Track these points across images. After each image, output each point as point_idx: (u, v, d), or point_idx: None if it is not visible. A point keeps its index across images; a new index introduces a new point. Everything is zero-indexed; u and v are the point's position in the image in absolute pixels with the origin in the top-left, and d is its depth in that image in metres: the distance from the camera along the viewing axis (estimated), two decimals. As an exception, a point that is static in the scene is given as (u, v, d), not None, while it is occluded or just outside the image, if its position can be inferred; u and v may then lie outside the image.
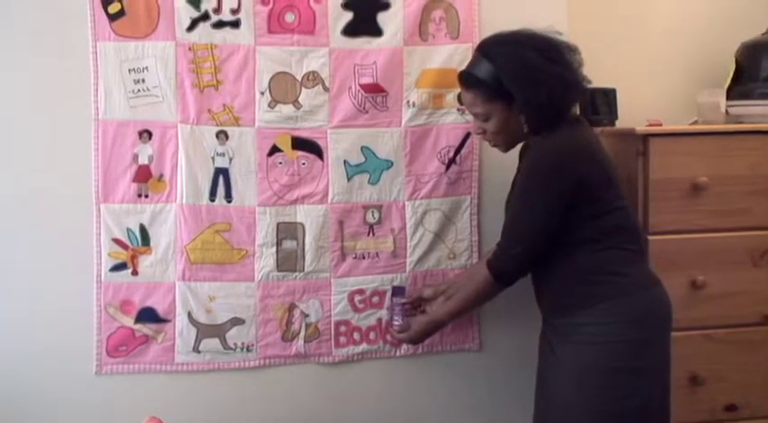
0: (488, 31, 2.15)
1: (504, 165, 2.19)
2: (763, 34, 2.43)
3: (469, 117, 2.18)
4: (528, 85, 1.80)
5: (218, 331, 2.14)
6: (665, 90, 2.56)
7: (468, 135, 2.21)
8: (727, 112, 2.30)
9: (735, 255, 2.16)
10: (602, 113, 2.39)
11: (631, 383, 1.79)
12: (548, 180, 1.79)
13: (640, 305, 1.83)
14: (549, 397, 1.91)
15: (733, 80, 2.39)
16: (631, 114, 2.39)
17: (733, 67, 2.39)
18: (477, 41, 2.16)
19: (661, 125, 2.21)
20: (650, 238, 2.09)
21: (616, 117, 2.38)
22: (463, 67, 2.15)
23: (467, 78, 1.89)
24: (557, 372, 1.88)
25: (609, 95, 2.38)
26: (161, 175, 2.09)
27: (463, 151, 2.22)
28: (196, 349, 2.13)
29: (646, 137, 2.10)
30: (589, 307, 1.81)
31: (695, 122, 2.40)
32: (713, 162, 2.12)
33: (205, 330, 2.13)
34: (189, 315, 2.11)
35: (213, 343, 2.14)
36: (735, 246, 2.16)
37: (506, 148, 1.96)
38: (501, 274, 1.88)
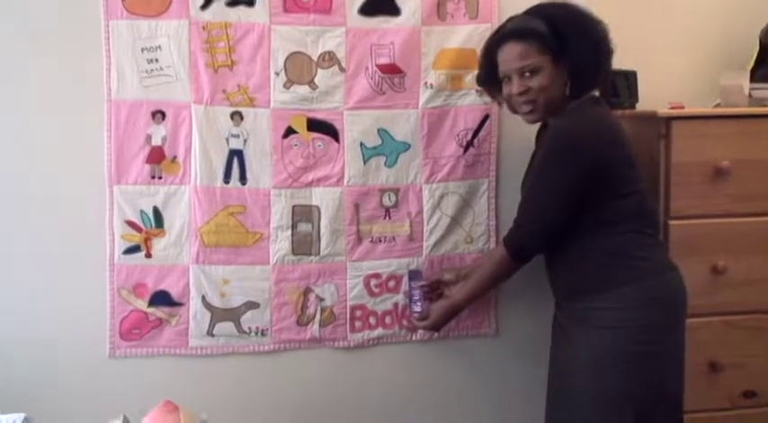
0: (508, 12, 2.14)
1: (522, 148, 2.20)
2: (784, 17, 2.41)
3: (488, 99, 2.18)
4: (582, 38, 1.84)
5: (232, 315, 2.15)
6: (687, 72, 2.53)
7: (486, 117, 2.22)
8: (750, 94, 2.29)
9: (756, 240, 2.14)
10: (623, 96, 2.36)
11: (648, 368, 1.81)
12: (569, 159, 1.79)
13: (658, 290, 1.84)
14: (564, 381, 1.92)
15: (756, 62, 2.37)
16: (652, 97, 2.37)
17: (756, 48, 2.38)
18: (497, 22, 2.18)
19: (683, 108, 2.20)
20: (672, 222, 2.07)
21: (636, 100, 2.35)
22: (482, 46, 2.18)
23: (518, 30, 1.88)
24: (572, 356, 1.89)
25: (629, 78, 2.35)
26: (174, 157, 2.09)
27: (481, 134, 2.22)
28: (210, 333, 2.14)
29: (668, 120, 2.08)
30: (606, 291, 1.82)
31: (718, 105, 2.39)
32: (736, 145, 2.10)
33: (219, 314, 2.14)
34: (203, 299, 2.12)
35: (227, 327, 2.15)
36: (756, 231, 2.13)
37: (542, 113, 1.90)
38: (517, 251, 1.89)
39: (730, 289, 2.16)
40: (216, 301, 2.13)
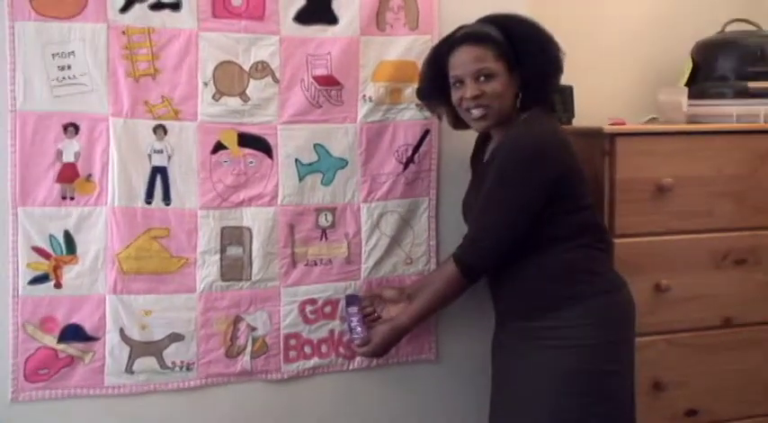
0: (449, 24, 2.09)
1: (463, 165, 2.15)
2: (719, 33, 2.47)
3: (428, 113, 2.12)
4: (538, 51, 1.82)
5: (154, 349, 1.97)
6: (620, 87, 2.57)
7: (426, 132, 2.14)
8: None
9: (698, 257, 2.17)
10: (559, 111, 2.36)
11: (607, 386, 1.78)
12: (530, 169, 1.74)
13: (613, 306, 1.83)
14: (515, 403, 1.85)
15: (690, 79, 2.42)
16: (587, 112, 2.38)
17: (689, 65, 2.42)
18: (437, 34, 2.11)
19: (624, 124, 2.20)
20: (616, 241, 2.06)
21: (572, 115, 2.35)
22: (423, 58, 2.07)
23: (475, 34, 1.84)
24: (524, 377, 1.83)
25: (565, 93, 2.35)
26: (89, 175, 1.91)
27: (421, 150, 2.14)
28: (129, 370, 1.96)
29: (612, 136, 2.07)
30: (561, 309, 1.79)
31: (651, 120, 2.42)
32: (678, 162, 2.12)
33: (139, 348, 1.96)
34: (121, 332, 1.94)
35: (149, 362, 1.97)
36: (698, 248, 2.16)
37: (494, 120, 1.85)
38: (471, 268, 1.82)
39: (673, 307, 2.18)
40: (136, 335, 1.95)
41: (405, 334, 1.96)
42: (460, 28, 1.89)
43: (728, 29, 2.50)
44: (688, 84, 2.40)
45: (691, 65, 2.42)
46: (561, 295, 1.79)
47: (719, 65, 2.37)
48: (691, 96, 2.32)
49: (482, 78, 1.82)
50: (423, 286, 2.02)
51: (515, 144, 1.78)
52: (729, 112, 2.29)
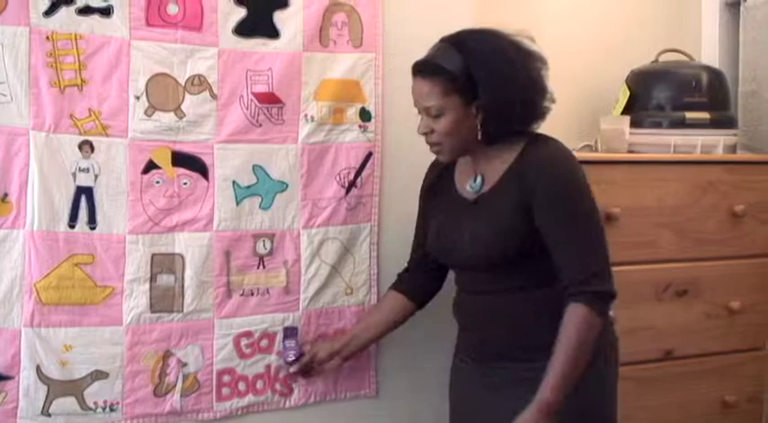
0: (394, 41, 2.11)
1: (408, 189, 2.12)
2: (653, 62, 2.57)
3: (371, 135, 2.10)
4: (502, 82, 1.71)
5: (74, 388, 1.84)
6: (554, 114, 2.62)
7: (369, 155, 2.11)
8: (624, 140, 2.40)
9: (641, 289, 2.22)
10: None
11: None
12: (586, 185, 1.72)
13: (611, 342, 1.82)
14: None
15: (625, 107, 2.50)
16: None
17: (625, 93, 2.50)
18: (382, 51, 2.10)
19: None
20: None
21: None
22: (367, 78, 2.09)
23: (425, 65, 1.75)
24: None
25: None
26: (5, 195, 1.78)
27: (364, 173, 2.11)
28: (45, 412, 1.82)
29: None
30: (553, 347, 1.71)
31: (585, 147, 2.48)
32: (623, 192, 2.18)
33: (58, 388, 1.83)
34: (38, 370, 1.80)
35: (68, 403, 1.84)
36: (641, 280, 2.22)
37: (450, 155, 1.81)
38: (611, 298, 1.71)
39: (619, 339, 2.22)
40: (54, 373, 1.82)
41: (556, 410, 1.64)
42: (431, 48, 1.79)
43: (662, 58, 2.61)
44: (624, 112, 2.48)
45: (627, 93, 2.50)
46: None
47: (656, 94, 2.47)
48: (631, 125, 2.40)
49: (432, 114, 1.75)
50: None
51: (565, 168, 1.72)
52: (667, 141, 2.39)
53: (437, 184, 1.95)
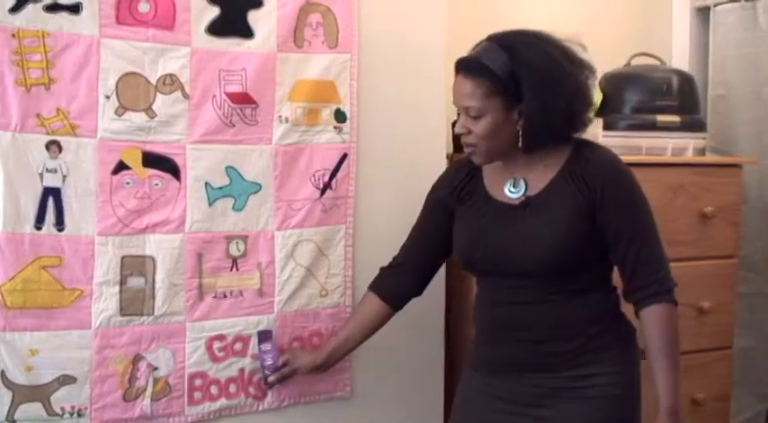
0: (371, 41, 2.06)
1: (384, 190, 2.10)
2: (625, 66, 2.55)
3: (346, 136, 2.05)
4: (548, 89, 1.62)
5: (40, 393, 1.77)
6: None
7: (344, 156, 2.05)
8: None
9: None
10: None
11: None
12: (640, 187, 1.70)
13: (636, 349, 1.77)
14: None
15: (597, 110, 2.47)
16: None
17: (598, 96, 2.46)
18: (357, 52, 2.05)
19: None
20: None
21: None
22: (342, 79, 2.04)
23: (470, 63, 1.66)
24: None
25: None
26: (-31, 196, 1.70)
27: (339, 174, 2.05)
28: (10, 418, 1.74)
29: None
30: (604, 353, 1.68)
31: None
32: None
33: (23, 393, 1.75)
34: (2, 375, 1.73)
35: (34, 408, 1.77)
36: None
37: (486, 158, 1.72)
38: (675, 294, 1.71)
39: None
40: (20, 378, 1.74)
41: (679, 412, 1.68)
42: (478, 44, 1.70)
43: (634, 62, 2.59)
44: (596, 115, 2.45)
45: (599, 96, 2.47)
46: (604, 339, 1.69)
47: (628, 98, 2.46)
48: (604, 128, 2.38)
49: (471, 115, 1.67)
50: (653, 351, 1.70)
51: (621, 168, 1.70)
52: (639, 144, 2.38)
53: (464, 188, 1.83)
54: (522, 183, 1.73)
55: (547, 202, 1.68)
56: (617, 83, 2.48)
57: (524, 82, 1.62)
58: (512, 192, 1.72)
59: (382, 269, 1.95)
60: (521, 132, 1.66)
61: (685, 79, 2.55)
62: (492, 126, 1.65)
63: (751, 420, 2.84)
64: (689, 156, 2.49)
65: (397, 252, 1.94)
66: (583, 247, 1.67)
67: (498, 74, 1.62)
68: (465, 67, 1.67)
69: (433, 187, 1.92)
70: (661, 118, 2.41)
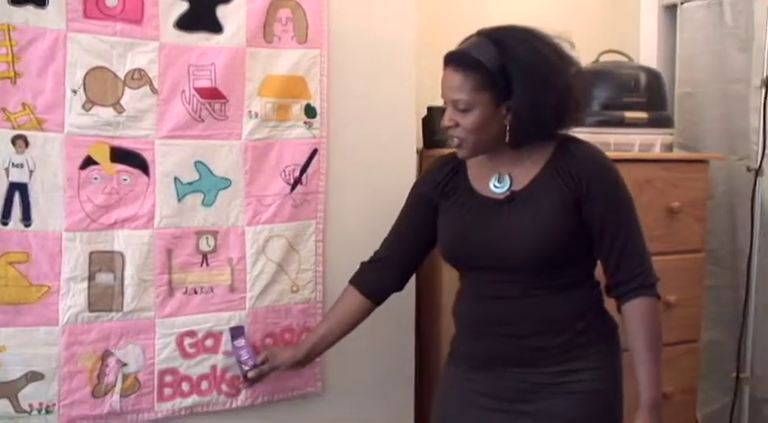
0: (340, 37, 2.06)
1: (354, 185, 2.10)
2: (593, 62, 2.57)
3: (316, 131, 2.05)
4: (538, 85, 1.61)
5: (8, 390, 1.75)
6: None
7: (315, 152, 2.05)
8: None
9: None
10: (442, 133, 2.35)
11: None
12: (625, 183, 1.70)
13: (619, 345, 1.77)
14: None
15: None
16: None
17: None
18: (327, 47, 2.04)
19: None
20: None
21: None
22: (312, 74, 2.03)
23: (460, 56, 1.64)
24: None
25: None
26: (-67, 191, 1.68)
27: (310, 169, 2.04)
28: (-23, 416, 1.73)
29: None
30: (589, 348, 1.69)
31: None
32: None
33: (-10, 390, 1.74)
34: (-32, 372, 1.71)
35: (1, 405, 1.76)
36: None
37: (471, 152, 1.70)
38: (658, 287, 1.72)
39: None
40: (-14, 374, 1.73)
41: (660, 402, 1.69)
42: (467, 38, 1.68)
43: (602, 59, 2.62)
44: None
45: (569, 93, 2.49)
46: (589, 334, 1.69)
47: (596, 94, 2.47)
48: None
49: (460, 108, 1.65)
50: (634, 342, 1.70)
51: (605, 162, 1.70)
52: (607, 140, 2.39)
53: (448, 183, 1.82)
54: (507, 178, 1.73)
55: (532, 197, 1.68)
56: (585, 80, 2.48)
57: (514, 77, 1.61)
58: (496, 187, 1.72)
59: (363, 264, 1.93)
60: (508, 127, 1.65)
61: (653, 76, 2.58)
62: (480, 120, 1.64)
63: (717, 413, 2.88)
64: (656, 152, 2.52)
65: (367, 246, 1.92)
66: (568, 241, 1.67)
67: (489, 68, 1.61)
68: (455, 60, 1.65)
69: (416, 182, 1.93)
70: (629, 114, 2.43)
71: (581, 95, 1.73)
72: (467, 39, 1.68)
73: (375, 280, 1.89)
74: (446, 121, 1.68)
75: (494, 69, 1.60)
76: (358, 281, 1.90)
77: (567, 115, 1.68)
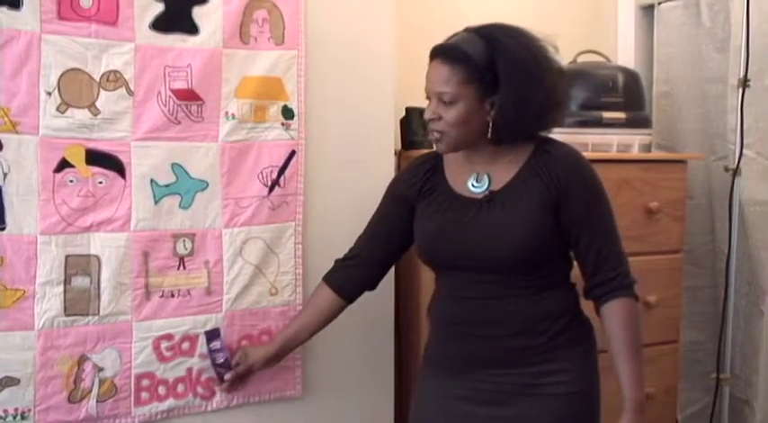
0: (317, 38, 2.08)
1: (333, 187, 2.11)
2: (571, 63, 2.60)
3: (294, 133, 2.06)
4: (525, 82, 1.64)
5: (-18, 397, 1.75)
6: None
7: (292, 153, 2.07)
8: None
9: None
10: (420, 134, 2.38)
11: None
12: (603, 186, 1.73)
13: (596, 345, 1.80)
14: None
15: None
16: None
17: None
18: (304, 48, 2.06)
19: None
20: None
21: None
22: (289, 75, 2.05)
23: (450, 50, 1.66)
24: None
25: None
26: None
27: (288, 171, 2.06)
28: (-49, 422, 1.73)
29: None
30: (567, 351, 1.71)
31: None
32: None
33: (-36, 396, 1.73)
34: (-58, 378, 1.71)
35: (-25, 412, 1.76)
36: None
37: (451, 147, 1.72)
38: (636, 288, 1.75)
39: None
40: (-40, 380, 1.73)
41: (644, 402, 1.71)
42: (455, 34, 1.71)
43: (580, 59, 2.65)
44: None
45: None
46: (566, 335, 1.71)
47: (574, 94, 2.49)
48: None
49: (444, 101, 1.67)
50: (614, 342, 1.72)
51: (585, 165, 1.72)
52: (585, 140, 2.43)
53: (426, 183, 1.83)
54: (485, 177, 1.75)
55: (511, 197, 1.70)
56: (568, 82, 2.52)
57: (502, 72, 1.64)
58: (475, 186, 1.74)
59: (337, 261, 1.95)
60: (491, 123, 1.67)
61: (631, 76, 2.62)
62: (463, 114, 1.66)
63: (698, 413, 2.91)
64: (634, 152, 2.56)
65: (347, 248, 1.95)
66: (547, 241, 1.70)
67: (477, 61, 1.63)
68: (443, 52, 1.67)
69: (392, 182, 1.94)
70: (607, 114, 2.47)
71: (564, 98, 1.77)
72: (455, 34, 1.70)
73: (347, 278, 1.92)
74: (429, 114, 1.70)
75: (482, 63, 1.63)
76: (330, 278, 1.93)
77: (548, 115, 1.71)
